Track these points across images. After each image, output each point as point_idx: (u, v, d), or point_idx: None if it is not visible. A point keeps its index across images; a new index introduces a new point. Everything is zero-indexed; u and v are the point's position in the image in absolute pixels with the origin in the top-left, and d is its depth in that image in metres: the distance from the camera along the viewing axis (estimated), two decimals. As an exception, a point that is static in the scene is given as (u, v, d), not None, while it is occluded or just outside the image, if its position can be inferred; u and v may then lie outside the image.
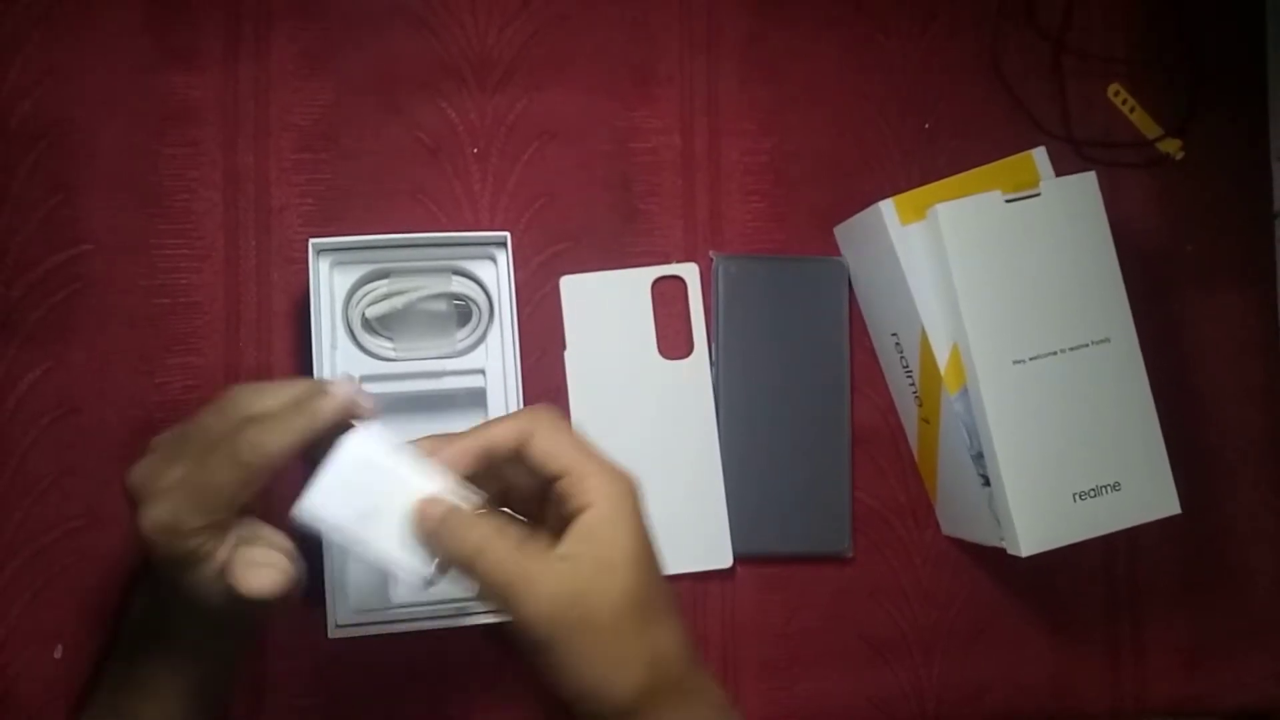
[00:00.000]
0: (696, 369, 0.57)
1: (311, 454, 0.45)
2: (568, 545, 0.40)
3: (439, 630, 0.50)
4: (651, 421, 0.57)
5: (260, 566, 0.43)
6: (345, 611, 0.50)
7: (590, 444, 0.42)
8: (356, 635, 0.50)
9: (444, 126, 0.57)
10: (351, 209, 0.56)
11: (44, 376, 0.54)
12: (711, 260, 0.58)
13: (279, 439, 0.40)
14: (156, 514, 0.41)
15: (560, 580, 0.39)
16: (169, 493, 0.41)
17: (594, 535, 0.40)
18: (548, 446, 0.42)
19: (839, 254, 0.59)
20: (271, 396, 0.42)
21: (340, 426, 0.43)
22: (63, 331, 0.54)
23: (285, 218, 0.56)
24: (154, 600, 0.48)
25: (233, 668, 0.50)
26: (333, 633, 0.49)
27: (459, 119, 0.57)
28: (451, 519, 0.41)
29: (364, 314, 0.53)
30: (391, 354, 0.53)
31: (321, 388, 0.42)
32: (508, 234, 0.53)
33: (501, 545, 0.40)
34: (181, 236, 0.55)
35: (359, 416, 0.44)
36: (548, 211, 0.58)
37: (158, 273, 0.55)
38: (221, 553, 0.41)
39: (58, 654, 0.53)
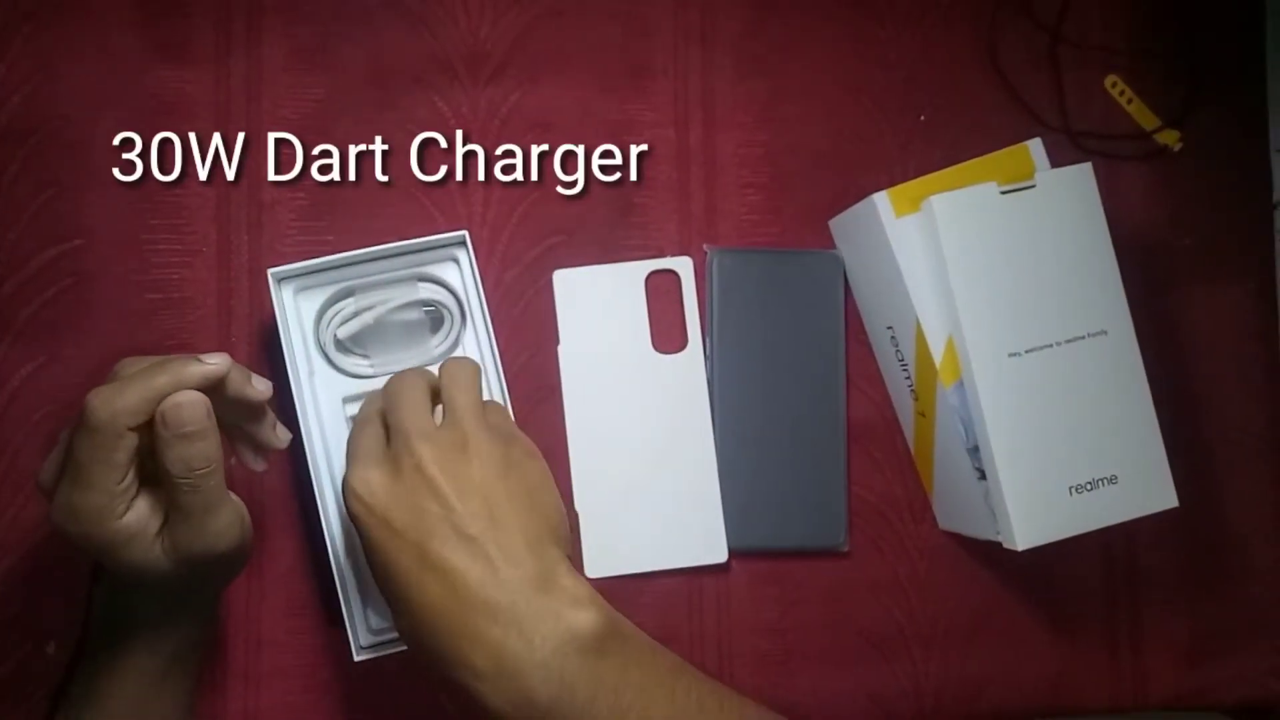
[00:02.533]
0: (691, 363, 0.57)
1: (231, 433, 0.47)
2: None
3: None
4: (646, 416, 0.57)
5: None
6: (366, 633, 0.50)
7: None
8: (382, 655, 0.49)
9: (437, 120, 0.57)
10: (343, 204, 0.56)
11: (36, 373, 0.54)
12: (706, 254, 0.58)
13: (128, 395, 0.40)
14: (55, 504, 0.41)
15: None
16: (62, 480, 0.41)
17: None
18: None
19: (834, 247, 0.59)
20: (145, 363, 0.42)
21: (243, 404, 0.45)
22: (55, 327, 0.54)
23: (277, 213, 0.56)
24: (111, 590, 0.48)
25: (198, 646, 0.50)
26: (358, 655, 0.49)
27: (451, 113, 0.57)
28: None
29: (335, 335, 0.52)
30: (369, 371, 0.53)
31: (195, 357, 0.42)
32: (465, 232, 0.52)
33: None
34: (173, 232, 0.55)
35: (250, 398, 0.45)
36: (541, 205, 0.57)
37: (150, 268, 0.55)
38: (136, 522, 0.41)
39: (50, 650, 0.53)
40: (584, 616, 0.40)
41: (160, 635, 0.47)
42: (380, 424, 0.45)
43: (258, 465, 0.49)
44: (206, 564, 0.43)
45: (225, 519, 0.43)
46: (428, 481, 0.41)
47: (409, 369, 0.47)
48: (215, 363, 0.42)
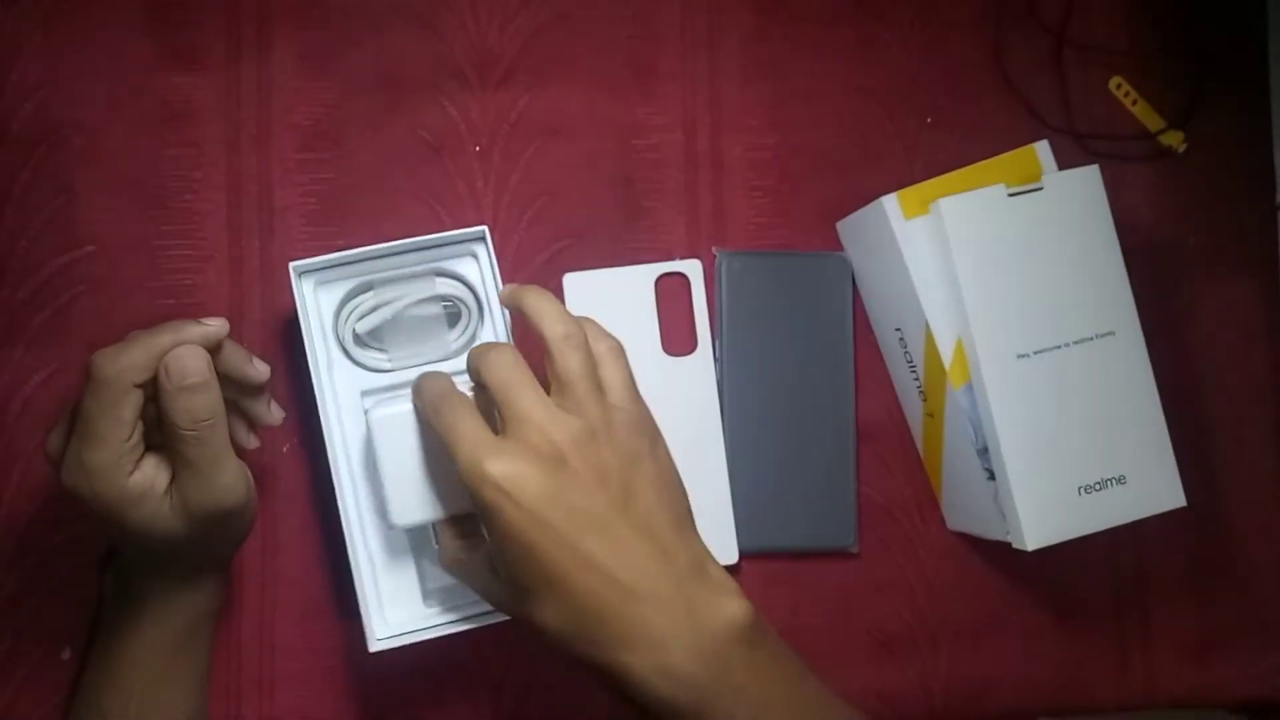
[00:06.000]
0: (700, 366, 0.57)
1: (227, 407, 0.46)
2: None
3: (477, 630, 0.51)
4: (656, 418, 0.57)
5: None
6: (383, 624, 0.51)
7: None
8: (397, 645, 0.50)
9: (446, 125, 0.57)
10: (354, 209, 0.56)
11: (49, 379, 0.54)
12: (715, 256, 0.58)
13: (132, 352, 0.42)
14: (66, 464, 0.42)
15: None
16: (71, 440, 0.42)
17: None
18: None
19: (842, 249, 0.59)
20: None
21: (241, 383, 0.47)
22: (67, 334, 0.54)
23: (288, 218, 0.56)
24: (120, 573, 0.49)
25: (208, 619, 0.51)
26: (374, 647, 0.49)
27: (461, 117, 0.57)
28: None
29: (354, 330, 0.52)
30: (388, 365, 0.53)
31: (196, 320, 0.44)
32: (485, 228, 0.52)
33: None
34: (185, 238, 0.55)
35: (250, 378, 0.47)
36: (550, 209, 0.58)
37: (161, 274, 0.55)
38: (144, 480, 0.43)
39: (66, 655, 0.53)
40: (738, 606, 0.41)
41: (171, 610, 0.48)
42: (471, 403, 0.44)
43: (250, 442, 0.50)
44: (214, 522, 0.44)
45: (231, 473, 0.44)
46: (573, 474, 0.41)
47: (496, 344, 0.45)
48: (214, 325, 0.44)
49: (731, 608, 0.41)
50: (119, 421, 0.42)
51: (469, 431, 0.42)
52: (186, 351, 0.43)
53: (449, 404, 0.44)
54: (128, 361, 0.42)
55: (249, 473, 0.46)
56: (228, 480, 0.44)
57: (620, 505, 0.42)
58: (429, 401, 0.45)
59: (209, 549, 0.48)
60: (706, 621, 0.41)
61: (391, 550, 0.52)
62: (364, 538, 0.52)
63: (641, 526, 0.42)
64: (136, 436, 0.43)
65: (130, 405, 0.42)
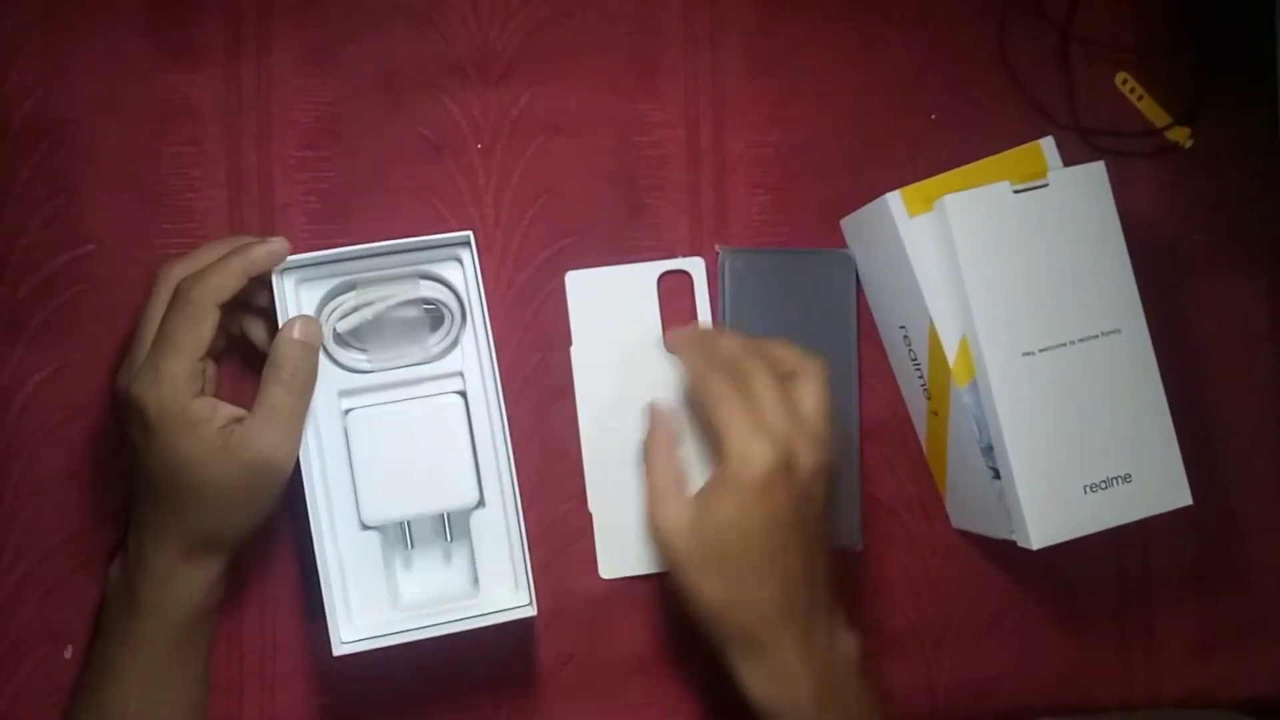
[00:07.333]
0: (703, 364, 0.57)
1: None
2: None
3: (444, 637, 0.50)
4: (659, 417, 0.57)
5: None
6: (349, 628, 0.50)
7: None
8: (362, 650, 0.49)
9: (447, 122, 0.57)
10: (355, 207, 0.56)
11: (50, 378, 0.54)
12: (717, 254, 0.58)
13: (213, 278, 0.47)
14: (140, 375, 0.46)
15: None
16: (146, 358, 0.47)
17: None
18: None
19: (845, 246, 0.59)
20: (204, 255, 0.49)
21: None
22: (68, 333, 0.54)
23: (289, 215, 0.56)
24: (124, 565, 0.50)
25: (207, 617, 0.51)
26: (338, 650, 0.49)
27: (462, 115, 0.57)
28: None
29: (335, 328, 0.52)
30: (367, 366, 0.52)
31: (258, 238, 0.49)
32: (470, 233, 0.51)
33: None
34: (185, 236, 0.55)
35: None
36: (552, 207, 0.57)
37: (162, 273, 0.55)
38: (205, 407, 0.46)
39: (68, 654, 0.53)
40: (855, 641, 0.50)
41: (172, 604, 0.48)
42: (670, 456, 0.51)
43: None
44: (255, 475, 0.47)
45: (295, 436, 0.48)
46: (777, 505, 0.47)
47: (726, 391, 0.49)
48: (276, 243, 0.49)
49: (851, 641, 0.50)
50: (199, 337, 0.46)
51: (656, 483, 0.50)
52: (315, 322, 0.49)
53: (654, 455, 0.51)
54: (212, 284, 0.47)
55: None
56: (291, 439, 0.48)
57: (801, 541, 0.48)
58: (646, 445, 0.53)
59: (231, 510, 0.48)
60: (833, 648, 0.48)
61: (365, 553, 0.51)
62: (334, 538, 0.51)
63: (821, 559, 0.49)
64: (203, 366, 0.47)
65: (210, 323, 0.47)
